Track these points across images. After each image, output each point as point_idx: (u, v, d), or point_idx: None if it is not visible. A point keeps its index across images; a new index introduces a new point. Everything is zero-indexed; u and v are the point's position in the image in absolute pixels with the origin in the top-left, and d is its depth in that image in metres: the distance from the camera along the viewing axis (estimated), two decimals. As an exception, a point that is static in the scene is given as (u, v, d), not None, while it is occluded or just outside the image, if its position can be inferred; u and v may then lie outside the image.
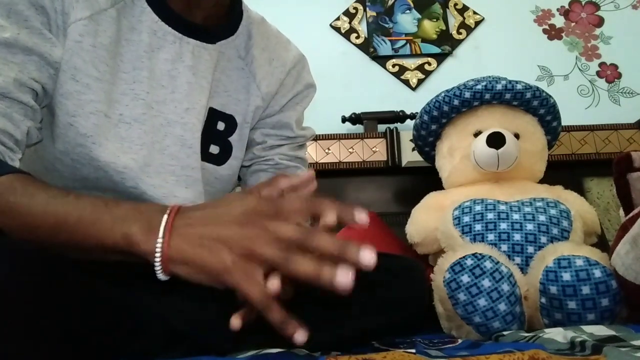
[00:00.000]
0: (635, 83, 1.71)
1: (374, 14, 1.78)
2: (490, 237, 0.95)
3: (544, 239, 0.92)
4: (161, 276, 0.45)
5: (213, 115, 0.74)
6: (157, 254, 0.44)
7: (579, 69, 1.74)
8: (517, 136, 1.10)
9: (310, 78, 0.85)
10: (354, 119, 1.58)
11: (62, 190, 0.51)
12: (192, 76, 0.69)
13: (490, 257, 0.81)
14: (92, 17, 0.62)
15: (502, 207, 0.98)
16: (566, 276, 0.77)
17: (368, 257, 0.42)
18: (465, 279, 0.79)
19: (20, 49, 0.57)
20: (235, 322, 0.46)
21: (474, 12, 1.80)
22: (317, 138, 1.51)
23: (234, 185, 0.85)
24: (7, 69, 0.56)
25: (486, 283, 0.78)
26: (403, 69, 1.72)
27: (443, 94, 1.12)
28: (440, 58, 1.73)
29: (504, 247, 0.93)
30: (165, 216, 0.45)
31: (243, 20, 0.76)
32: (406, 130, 1.50)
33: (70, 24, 0.60)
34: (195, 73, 0.69)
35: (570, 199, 1.06)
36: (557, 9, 1.82)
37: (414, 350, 0.52)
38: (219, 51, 0.73)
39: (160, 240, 0.44)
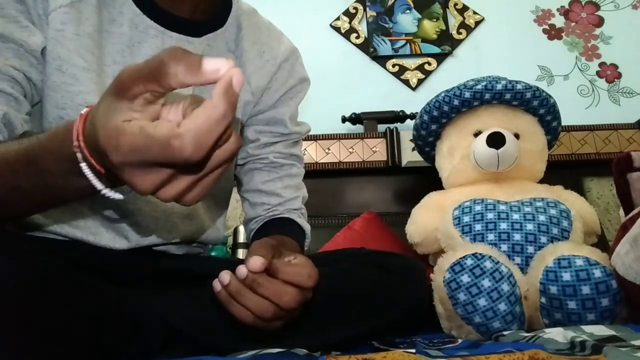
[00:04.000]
0: (635, 83, 1.71)
1: (374, 14, 1.77)
2: (490, 237, 0.94)
3: (544, 239, 0.92)
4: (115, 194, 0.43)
5: None
6: (100, 189, 0.41)
7: (579, 69, 1.74)
8: (517, 136, 1.10)
9: (303, 72, 0.82)
10: (354, 119, 1.58)
11: None
12: None
13: (490, 257, 0.81)
14: (72, 5, 0.60)
15: (502, 207, 0.98)
16: (566, 276, 0.77)
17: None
18: (465, 279, 0.79)
19: None
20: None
21: (474, 12, 1.80)
22: (317, 138, 1.51)
23: (232, 184, 0.84)
24: None
25: (486, 283, 0.78)
26: (403, 69, 1.72)
27: (443, 94, 1.12)
28: (440, 58, 1.73)
29: (504, 247, 0.93)
30: (80, 155, 0.40)
31: (232, 11, 0.73)
32: (406, 130, 1.50)
33: (50, 12, 0.59)
34: None
35: (570, 199, 1.06)
36: (557, 9, 1.82)
37: (414, 350, 0.52)
38: (207, 44, 0.70)
39: (95, 181, 0.41)
